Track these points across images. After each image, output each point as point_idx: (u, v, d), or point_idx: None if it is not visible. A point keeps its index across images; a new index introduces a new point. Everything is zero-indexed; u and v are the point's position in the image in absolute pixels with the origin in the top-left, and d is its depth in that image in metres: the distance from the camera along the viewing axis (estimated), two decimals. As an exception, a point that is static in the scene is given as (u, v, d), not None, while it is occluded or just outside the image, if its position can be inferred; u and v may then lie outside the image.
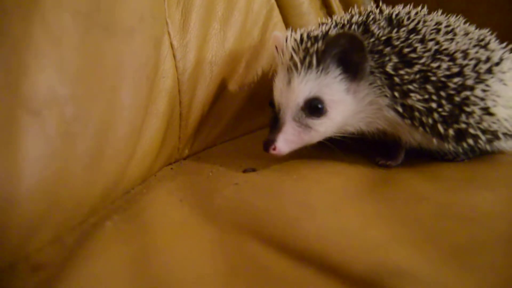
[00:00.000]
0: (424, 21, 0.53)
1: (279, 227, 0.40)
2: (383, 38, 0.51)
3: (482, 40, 0.53)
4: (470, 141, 0.51)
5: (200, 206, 0.47)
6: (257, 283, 0.33)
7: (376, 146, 0.59)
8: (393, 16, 0.54)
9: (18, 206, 0.37)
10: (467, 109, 0.49)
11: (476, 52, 0.51)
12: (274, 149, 0.50)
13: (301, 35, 0.53)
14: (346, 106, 0.51)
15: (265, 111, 0.73)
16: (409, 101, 0.49)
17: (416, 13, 0.55)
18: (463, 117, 0.49)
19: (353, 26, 0.53)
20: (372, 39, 0.51)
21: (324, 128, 0.52)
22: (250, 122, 0.72)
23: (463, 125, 0.49)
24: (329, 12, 0.79)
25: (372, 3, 0.83)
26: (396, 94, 0.50)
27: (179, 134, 0.62)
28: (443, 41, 0.50)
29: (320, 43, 0.50)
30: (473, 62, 0.50)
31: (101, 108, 0.46)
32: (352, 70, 0.50)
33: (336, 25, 0.55)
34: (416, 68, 0.49)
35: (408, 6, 0.57)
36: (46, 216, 0.41)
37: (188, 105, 0.62)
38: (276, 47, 0.56)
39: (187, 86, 0.61)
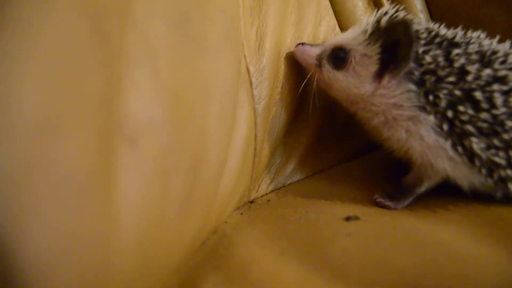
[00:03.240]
0: None
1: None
2: (457, 65, 0.45)
3: None
4: None
5: (313, 262, 0.37)
6: None
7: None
8: (488, 53, 0.47)
9: (114, 268, 0.27)
10: None
11: None
12: (298, 48, 0.55)
13: (387, 11, 0.51)
14: (358, 82, 0.50)
15: (334, 148, 0.65)
16: (467, 143, 0.44)
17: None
18: None
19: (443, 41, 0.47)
20: (442, 59, 0.45)
21: (329, 76, 0.52)
22: (319, 160, 0.63)
23: None
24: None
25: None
26: (445, 127, 0.45)
27: (251, 173, 0.53)
28: None
29: (384, 21, 0.49)
30: None
31: (193, 138, 0.37)
32: (392, 61, 0.47)
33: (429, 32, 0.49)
34: (484, 115, 0.44)
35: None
36: (137, 279, 0.30)
37: (262, 140, 0.53)
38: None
39: (262, 118, 0.53)
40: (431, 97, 0.45)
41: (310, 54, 0.54)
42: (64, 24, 0.27)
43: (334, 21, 0.68)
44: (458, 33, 0.48)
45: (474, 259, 0.37)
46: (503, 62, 0.46)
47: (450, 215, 0.47)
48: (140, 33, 0.33)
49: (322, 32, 0.65)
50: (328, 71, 0.52)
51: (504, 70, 0.45)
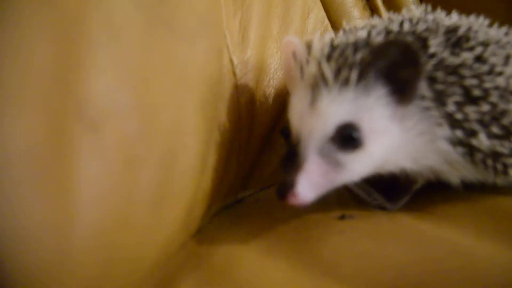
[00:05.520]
0: (487, 44, 0.40)
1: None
2: (448, 63, 0.38)
3: None
4: None
5: (302, 260, 0.34)
6: None
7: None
8: (455, 31, 0.40)
9: (72, 261, 0.24)
10: None
11: None
12: (295, 196, 0.35)
13: (332, 41, 0.39)
14: (391, 137, 0.38)
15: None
16: (474, 142, 0.38)
17: (476, 31, 0.42)
18: None
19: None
20: (432, 61, 0.38)
21: (360, 165, 0.38)
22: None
23: None
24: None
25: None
26: (458, 133, 0.38)
27: (237, 169, 0.49)
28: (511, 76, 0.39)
29: (363, 51, 0.37)
30: None
31: (166, 127, 0.34)
32: (399, 90, 0.37)
33: (384, 31, 0.41)
34: (485, 107, 0.38)
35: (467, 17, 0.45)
36: (101, 277, 0.27)
37: (247, 135, 0.50)
38: (294, 57, 0.41)
39: (247, 112, 0.50)
40: (440, 107, 0.38)
41: (318, 174, 0.37)
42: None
43: (322, 13, 0.65)
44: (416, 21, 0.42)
45: (477, 254, 0.33)
46: (468, 39, 0.40)
47: (449, 210, 0.44)
48: (104, 12, 0.30)
49: (311, 24, 0.63)
50: (355, 160, 0.38)
51: (479, 48, 0.39)
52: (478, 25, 0.43)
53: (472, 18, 0.44)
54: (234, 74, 0.48)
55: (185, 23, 0.38)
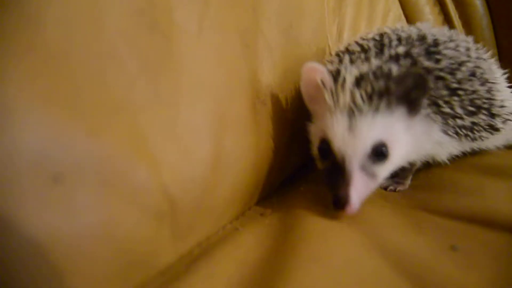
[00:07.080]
0: (445, 42, 0.54)
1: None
2: (435, 72, 0.50)
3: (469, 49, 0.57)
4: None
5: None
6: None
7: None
8: (424, 39, 0.54)
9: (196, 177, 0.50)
10: (494, 111, 0.55)
11: (483, 61, 0.57)
12: (350, 207, 0.43)
13: (361, 73, 0.47)
14: (405, 145, 0.48)
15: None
16: (459, 122, 0.52)
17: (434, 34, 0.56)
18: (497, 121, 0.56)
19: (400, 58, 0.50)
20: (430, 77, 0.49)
21: (385, 172, 0.48)
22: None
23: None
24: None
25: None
26: (450, 122, 0.51)
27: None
28: (468, 62, 0.53)
29: (384, 81, 0.46)
30: (487, 75, 0.55)
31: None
32: (410, 107, 0.47)
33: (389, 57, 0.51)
34: (461, 93, 0.51)
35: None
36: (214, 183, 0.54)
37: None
38: (323, 84, 0.49)
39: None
40: (434, 107, 0.50)
41: (362, 186, 0.45)
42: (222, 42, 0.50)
43: (400, 11, 0.85)
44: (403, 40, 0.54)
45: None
46: (433, 43, 0.53)
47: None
48: (265, 39, 0.55)
49: (390, 21, 0.83)
50: (383, 169, 0.47)
51: (447, 50, 0.53)
52: (428, 27, 0.58)
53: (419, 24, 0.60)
54: (333, 64, 0.71)
55: (305, 37, 0.62)
